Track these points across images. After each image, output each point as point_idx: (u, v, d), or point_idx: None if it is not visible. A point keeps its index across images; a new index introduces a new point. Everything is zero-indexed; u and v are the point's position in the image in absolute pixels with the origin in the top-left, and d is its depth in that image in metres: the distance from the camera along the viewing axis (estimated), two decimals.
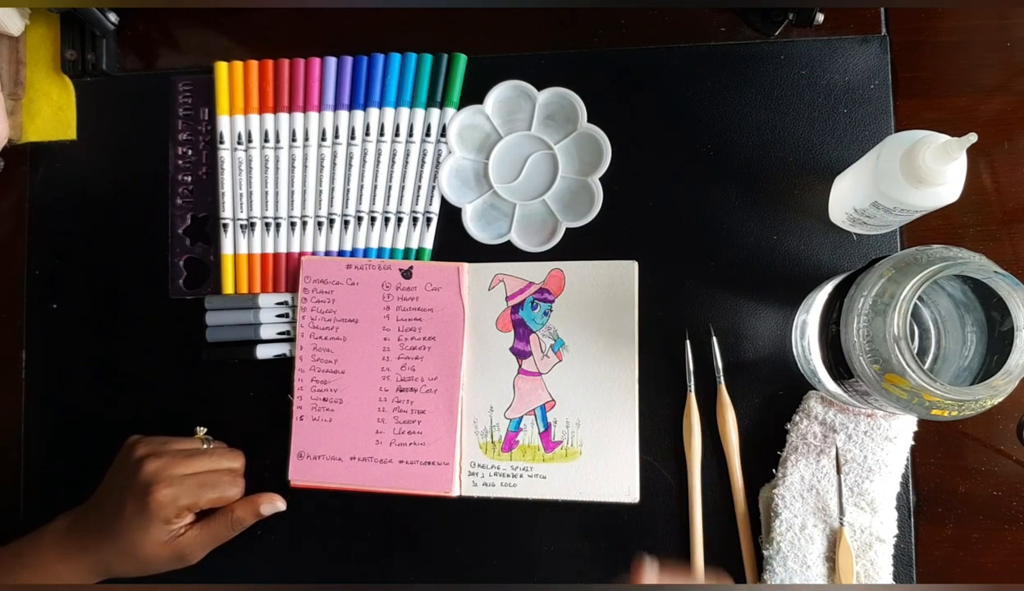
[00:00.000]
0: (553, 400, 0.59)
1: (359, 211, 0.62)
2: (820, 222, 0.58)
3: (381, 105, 0.62)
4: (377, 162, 0.62)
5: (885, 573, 0.54)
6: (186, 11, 0.65)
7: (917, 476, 0.56)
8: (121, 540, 0.53)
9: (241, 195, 0.62)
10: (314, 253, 0.62)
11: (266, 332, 0.61)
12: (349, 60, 0.62)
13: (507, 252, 0.61)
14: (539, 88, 0.61)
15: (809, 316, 0.53)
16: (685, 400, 0.57)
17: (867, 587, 0.54)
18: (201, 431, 0.59)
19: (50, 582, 0.54)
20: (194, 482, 0.54)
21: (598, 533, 0.58)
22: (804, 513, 0.55)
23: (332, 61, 0.62)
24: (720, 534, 0.57)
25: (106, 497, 0.55)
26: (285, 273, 0.62)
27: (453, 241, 0.61)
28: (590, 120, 0.60)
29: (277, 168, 0.62)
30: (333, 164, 0.62)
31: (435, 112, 0.61)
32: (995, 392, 0.41)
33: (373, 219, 0.62)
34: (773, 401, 0.57)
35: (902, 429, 0.55)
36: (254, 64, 0.63)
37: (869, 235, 0.58)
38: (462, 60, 0.61)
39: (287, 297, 0.62)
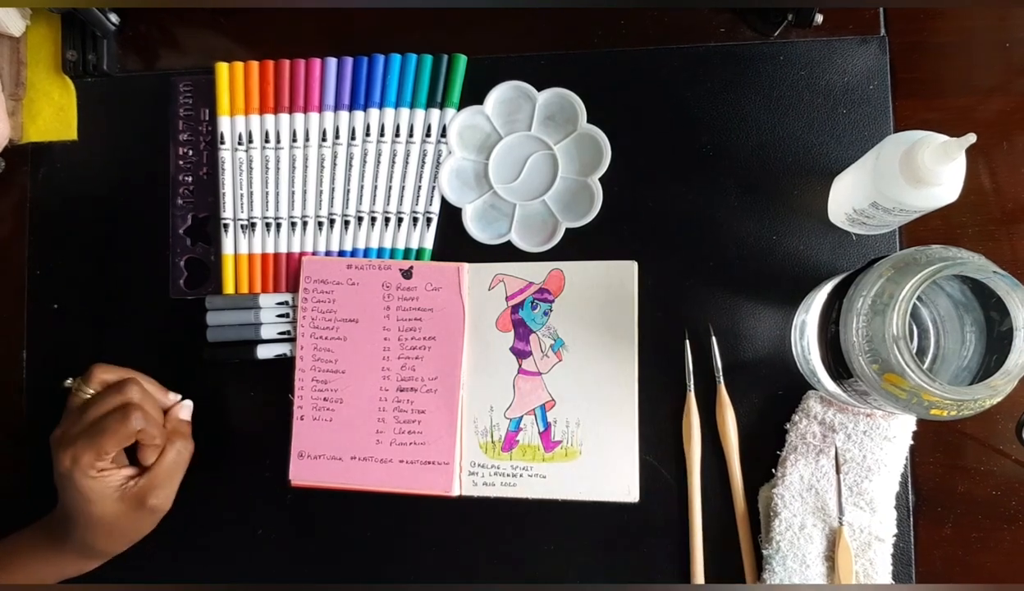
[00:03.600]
0: (553, 400, 0.59)
1: (359, 211, 0.62)
2: (819, 222, 0.58)
3: (381, 106, 0.62)
4: (377, 162, 0.62)
5: (884, 572, 0.54)
6: (187, 12, 0.65)
7: (916, 476, 0.57)
8: (81, 517, 0.52)
9: (242, 195, 0.62)
10: (315, 253, 0.62)
11: (267, 332, 0.61)
12: (349, 61, 0.62)
13: (507, 252, 0.61)
14: (539, 89, 0.61)
15: (808, 316, 0.53)
16: (685, 400, 0.58)
17: (866, 587, 0.54)
18: (68, 381, 0.56)
19: (48, 570, 0.55)
20: (86, 435, 0.52)
21: (598, 533, 0.58)
22: (803, 512, 0.55)
23: (332, 62, 0.62)
24: (720, 533, 0.57)
25: None
26: (286, 273, 0.62)
27: (453, 241, 0.61)
28: (590, 120, 0.60)
29: (278, 168, 0.62)
30: (333, 164, 0.62)
31: (435, 113, 0.62)
32: (994, 392, 0.41)
33: (373, 219, 0.62)
34: (772, 401, 0.57)
35: (901, 429, 0.55)
36: (254, 65, 0.63)
37: (868, 235, 0.58)
38: (462, 61, 0.62)
39: (288, 297, 0.62)
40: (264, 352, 0.61)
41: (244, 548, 0.61)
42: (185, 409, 0.58)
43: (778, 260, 0.58)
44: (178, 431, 0.56)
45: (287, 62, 0.63)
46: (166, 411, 0.57)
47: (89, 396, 0.55)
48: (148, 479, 0.54)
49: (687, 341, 0.58)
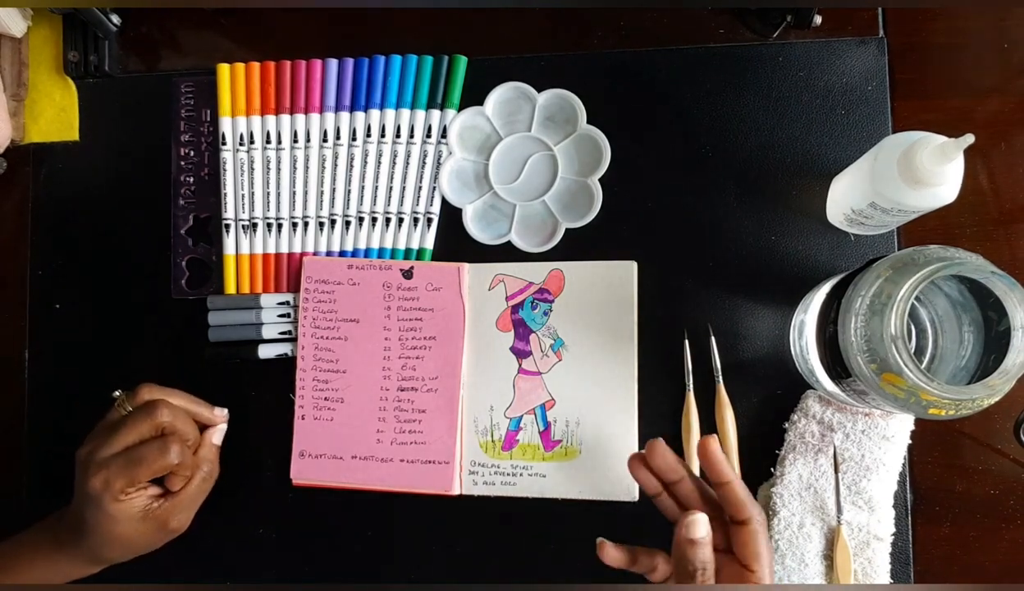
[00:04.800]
0: (553, 399, 0.59)
1: (360, 212, 0.62)
2: (818, 223, 0.59)
3: (382, 106, 0.62)
4: (378, 163, 0.62)
5: (883, 571, 0.54)
6: (188, 13, 0.65)
7: (914, 475, 0.57)
8: (100, 531, 0.52)
9: (243, 196, 0.63)
10: (316, 253, 0.62)
11: (268, 332, 0.62)
12: (350, 62, 0.62)
13: (507, 252, 0.61)
14: (539, 90, 0.61)
15: (807, 316, 0.53)
16: (684, 399, 0.58)
17: (864, 586, 0.54)
18: (117, 394, 0.55)
19: (52, 572, 0.55)
20: (122, 461, 0.51)
21: (598, 532, 0.58)
22: (802, 511, 0.55)
23: (333, 63, 0.62)
24: None
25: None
26: (287, 273, 0.62)
27: (453, 241, 0.61)
28: (589, 121, 0.60)
29: (279, 169, 0.63)
30: (334, 165, 0.62)
31: (435, 113, 0.62)
32: (992, 391, 0.41)
33: (374, 220, 0.62)
34: (771, 400, 0.58)
35: (899, 428, 0.55)
36: (256, 66, 0.63)
37: (866, 235, 0.58)
38: (462, 62, 0.62)
39: (289, 297, 0.62)
40: (265, 352, 0.62)
41: (245, 547, 0.61)
42: (218, 433, 0.58)
43: (777, 260, 0.59)
44: (206, 457, 0.56)
45: (288, 63, 0.63)
46: (203, 429, 0.57)
47: (125, 414, 0.54)
48: (173, 503, 0.54)
49: (686, 341, 0.58)
